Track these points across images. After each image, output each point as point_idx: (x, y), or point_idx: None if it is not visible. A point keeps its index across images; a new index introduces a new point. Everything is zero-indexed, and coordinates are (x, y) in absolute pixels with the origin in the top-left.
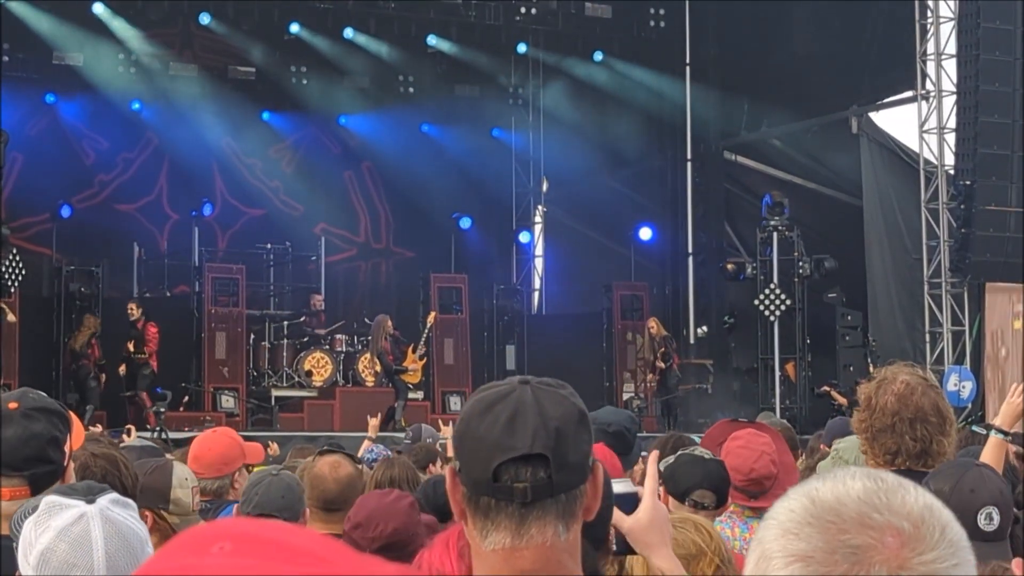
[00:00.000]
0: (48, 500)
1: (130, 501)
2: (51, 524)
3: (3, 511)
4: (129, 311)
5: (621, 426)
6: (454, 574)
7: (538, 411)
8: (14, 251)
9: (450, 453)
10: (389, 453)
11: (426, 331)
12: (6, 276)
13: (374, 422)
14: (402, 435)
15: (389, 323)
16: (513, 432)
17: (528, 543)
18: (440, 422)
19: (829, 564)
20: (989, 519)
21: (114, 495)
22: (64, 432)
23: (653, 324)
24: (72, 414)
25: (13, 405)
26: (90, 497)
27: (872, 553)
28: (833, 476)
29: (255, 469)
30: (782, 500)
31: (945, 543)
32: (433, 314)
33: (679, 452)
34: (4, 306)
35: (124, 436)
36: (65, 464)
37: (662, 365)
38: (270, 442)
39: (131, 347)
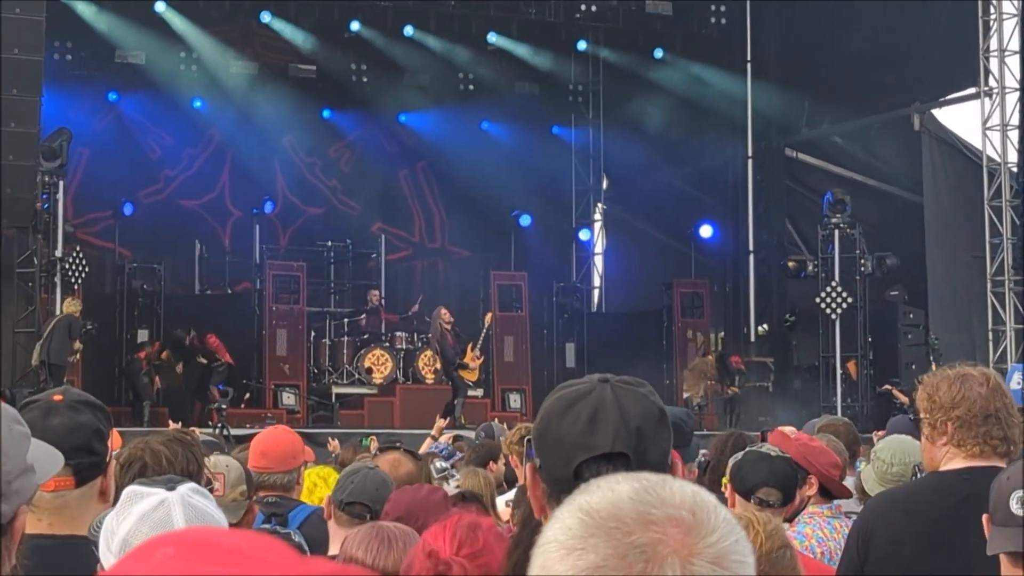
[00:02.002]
0: (128, 491)
1: (209, 494)
2: (133, 511)
3: (46, 505)
4: (185, 339)
5: (678, 419)
6: (443, 546)
7: (618, 410)
8: (78, 248)
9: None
10: (449, 449)
11: (484, 330)
12: (70, 273)
13: (441, 423)
14: (466, 432)
15: (445, 313)
16: (594, 431)
17: None
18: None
19: (623, 568)
20: (1021, 504)
21: (194, 485)
22: (107, 427)
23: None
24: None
25: (58, 397)
26: (171, 485)
27: (660, 547)
28: (596, 485)
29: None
30: (553, 522)
31: (721, 522)
32: (491, 314)
33: (747, 448)
34: (78, 345)
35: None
36: (108, 460)
37: (735, 390)
38: (330, 438)
39: (203, 360)
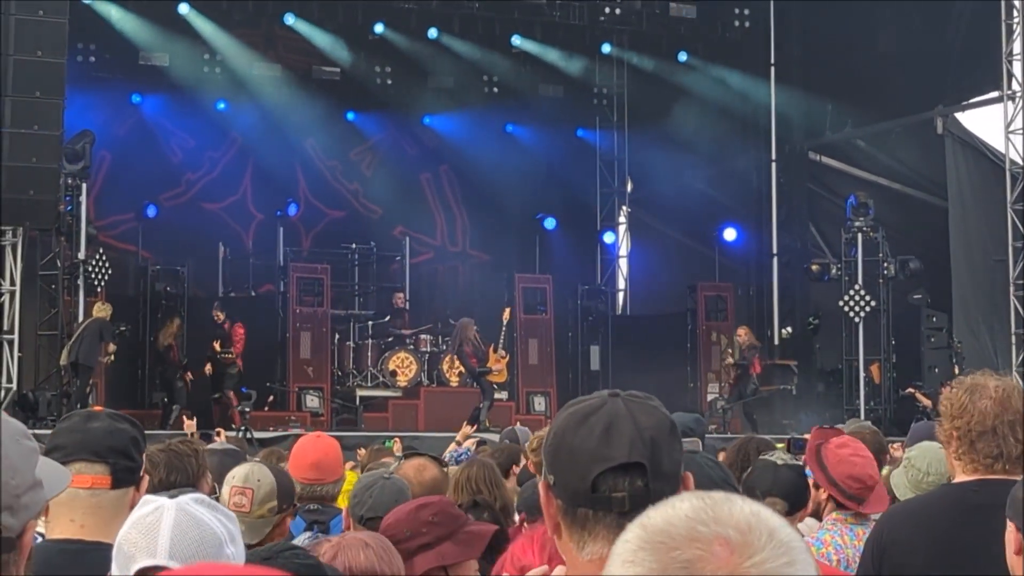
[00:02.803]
0: (141, 500)
1: (219, 505)
2: (132, 517)
3: (81, 503)
4: (215, 317)
5: (685, 427)
6: (534, 561)
7: (632, 421)
8: (100, 250)
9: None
10: (470, 453)
11: (503, 328)
12: (93, 275)
13: (467, 429)
14: (490, 435)
15: (473, 328)
16: (610, 442)
17: None
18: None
19: None
20: None
21: (200, 495)
22: (143, 441)
23: (742, 333)
24: None
25: (99, 408)
26: (174, 494)
27: (702, 564)
28: (664, 502)
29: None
30: (621, 536)
31: (773, 544)
32: (508, 310)
33: (761, 457)
34: (112, 347)
35: (215, 437)
36: (142, 473)
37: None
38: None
39: (217, 346)
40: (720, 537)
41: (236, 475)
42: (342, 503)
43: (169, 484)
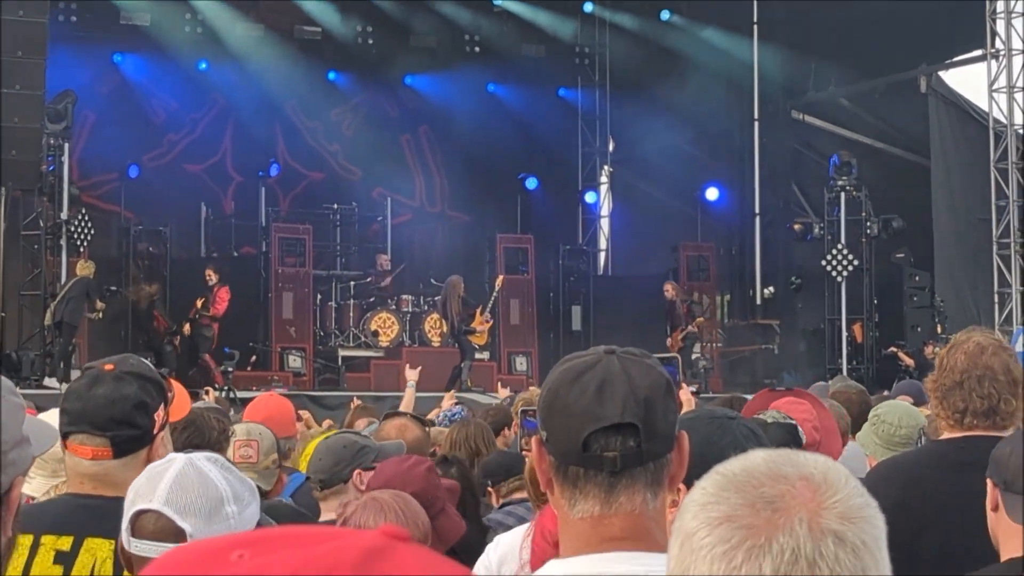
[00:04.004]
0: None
1: (235, 469)
2: (147, 468)
3: (86, 470)
4: (207, 276)
5: None
6: None
7: (627, 380)
8: (83, 210)
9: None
10: (465, 413)
11: (494, 294)
12: (76, 235)
13: (450, 398)
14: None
15: (461, 285)
16: (603, 401)
17: (617, 511)
18: (499, 385)
19: (751, 515)
20: None
21: (217, 456)
22: (156, 400)
23: (669, 288)
24: (178, 384)
25: (109, 367)
26: (189, 451)
27: (789, 499)
28: (736, 457)
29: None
30: (693, 489)
31: (851, 484)
32: (501, 277)
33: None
34: (101, 305)
35: (203, 396)
36: (154, 432)
37: (685, 331)
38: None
39: (199, 304)
40: (803, 475)
41: (237, 431)
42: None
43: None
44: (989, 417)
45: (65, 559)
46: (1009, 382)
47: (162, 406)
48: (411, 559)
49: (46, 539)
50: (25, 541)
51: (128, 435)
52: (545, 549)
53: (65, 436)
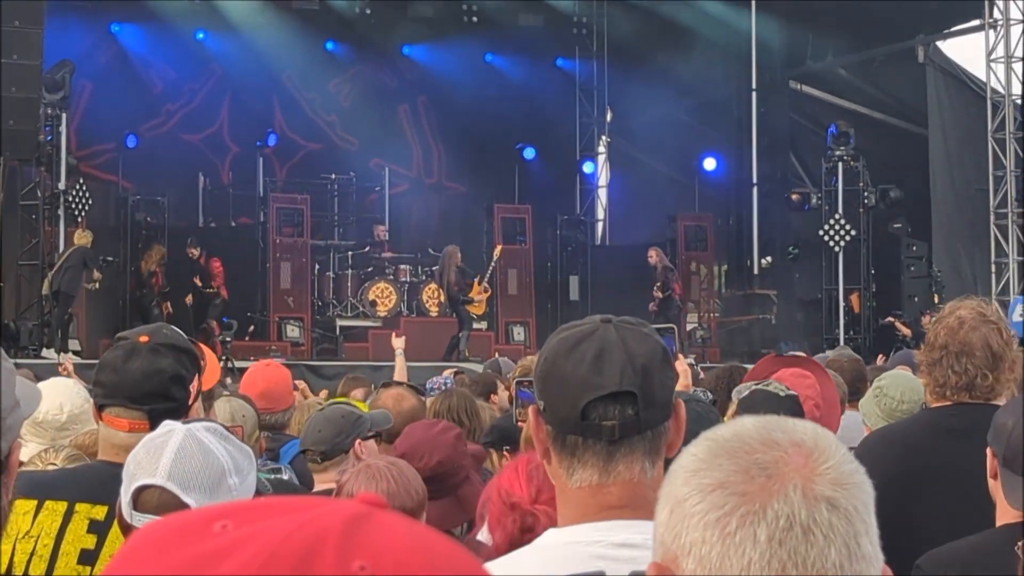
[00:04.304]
0: (161, 424)
1: (232, 436)
2: (145, 438)
3: (122, 442)
4: (190, 254)
5: None
6: (524, 494)
7: (624, 349)
8: (81, 180)
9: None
10: (451, 383)
11: (491, 264)
12: (74, 205)
13: (397, 341)
14: (469, 365)
15: (458, 254)
16: (600, 370)
17: (615, 480)
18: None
19: (745, 482)
20: None
21: (215, 425)
22: (191, 371)
23: (653, 254)
24: (208, 351)
25: (144, 339)
26: (188, 421)
27: (783, 466)
28: (725, 423)
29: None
30: (681, 455)
31: (842, 451)
32: (499, 247)
33: (755, 387)
34: (98, 275)
35: (61, 371)
36: (189, 403)
37: (659, 295)
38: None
39: (198, 281)
40: (795, 442)
41: (220, 415)
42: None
43: None
44: (968, 391)
45: (99, 528)
46: (986, 357)
47: (196, 376)
48: (393, 526)
49: (80, 507)
50: (59, 507)
51: (165, 408)
52: (503, 511)
53: (101, 408)
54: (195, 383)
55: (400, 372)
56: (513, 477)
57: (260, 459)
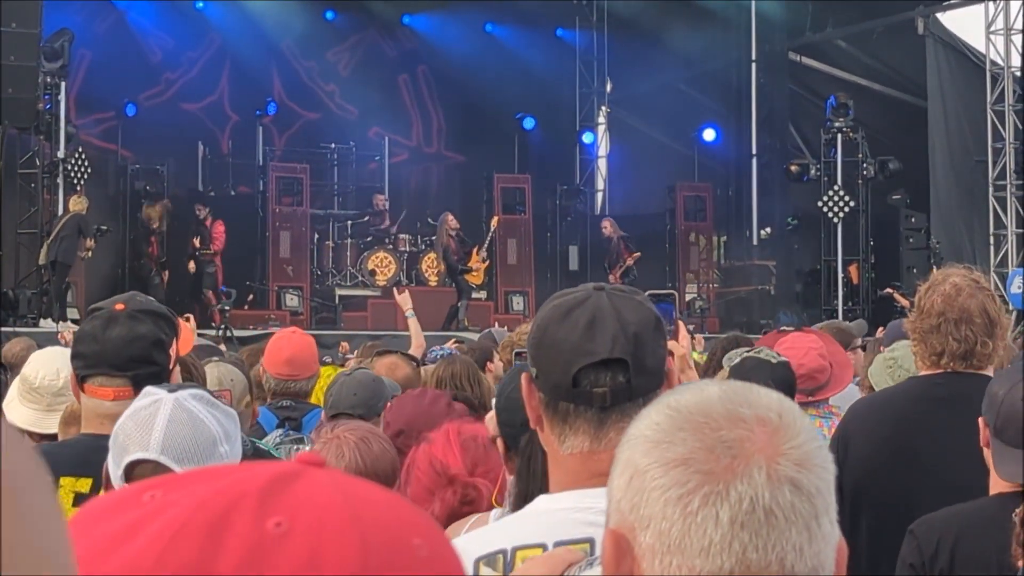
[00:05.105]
0: (143, 391)
1: (218, 402)
2: (130, 408)
3: (107, 411)
4: (197, 211)
5: None
6: (460, 466)
7: (616, 316)
8: (80, 149)
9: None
10: (454, 351)
11: (490, 234)
12: (73, 174)
13: (402, 299)
14: (468, 334)
15: (452, 219)
16: (592, 337)
17: (607, 447)
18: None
19: (710, 461)
20: None
21: (200, 392)
22: (170, 335)
23: (607, 224)
24: (182, 320)
25: (120, 307)
26: (174, 387)
27: (748, 445)
28: (687, 387)
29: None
30: (639, 419)
31: (806, 427)
32: (496, 218)
33: (745, 354)
34: (91, 243)
35: (183, 323)
36: (170, 367)
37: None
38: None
39: (197, 243)
40: (761, 419)
41: (209, 379)
42: (317, 400)
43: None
44: (966, 359)
45: (85, 501)
46: (985, 324)
47: (174, 341)
48: (321, 483)
49: (65, 481)
50: None
51: (148, 372)
52: (438, 483)
53: (82, 380)
54: (174, 347)
55: (416, 333)
56: (446, 447)
57: (283, 431)
